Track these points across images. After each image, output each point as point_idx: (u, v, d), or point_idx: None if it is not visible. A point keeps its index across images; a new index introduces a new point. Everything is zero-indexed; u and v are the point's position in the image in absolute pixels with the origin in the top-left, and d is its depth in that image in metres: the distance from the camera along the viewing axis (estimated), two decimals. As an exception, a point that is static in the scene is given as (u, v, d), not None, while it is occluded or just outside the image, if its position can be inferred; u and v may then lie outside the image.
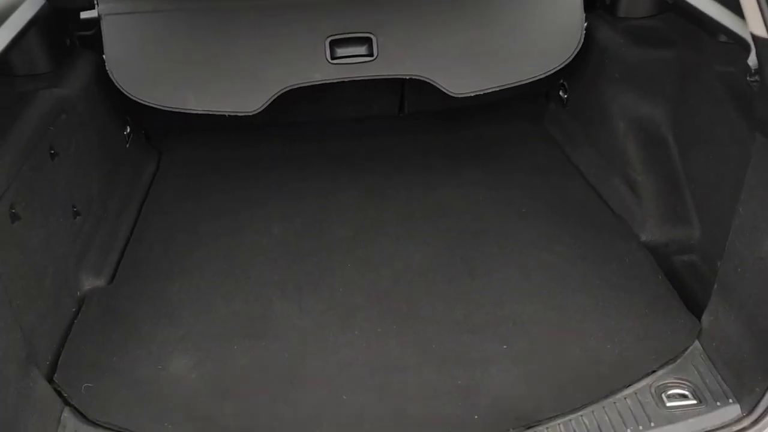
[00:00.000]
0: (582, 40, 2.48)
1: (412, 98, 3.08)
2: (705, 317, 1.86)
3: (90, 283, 2.16)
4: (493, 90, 2.50)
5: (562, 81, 2.90)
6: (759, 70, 1.50)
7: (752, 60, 1.53)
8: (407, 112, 3.14)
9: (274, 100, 2.47)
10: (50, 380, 1.79)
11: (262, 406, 1.74)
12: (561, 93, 2.94)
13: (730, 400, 1.68)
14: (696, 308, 1.95)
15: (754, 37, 1.47)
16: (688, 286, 2.12)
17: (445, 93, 2.53)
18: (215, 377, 1.83)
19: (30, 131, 1.96)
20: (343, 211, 2.49)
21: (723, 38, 2.01)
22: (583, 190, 2.55)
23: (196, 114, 2.49)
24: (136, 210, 2.55)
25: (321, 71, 2.44)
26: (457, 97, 2.54)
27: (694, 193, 2.23)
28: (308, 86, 2.50)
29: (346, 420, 1.70)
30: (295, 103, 2.88)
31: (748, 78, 1.57)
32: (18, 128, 1.92)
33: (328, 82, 2.46)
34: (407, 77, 2.53)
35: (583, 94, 2.75)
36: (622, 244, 2.25)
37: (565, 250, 2.23)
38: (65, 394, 1.77)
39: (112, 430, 1.68)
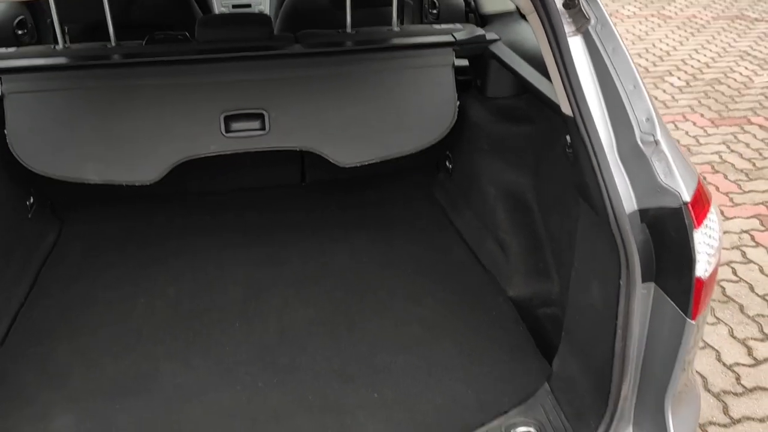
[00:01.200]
0: (455, 117, 2.76)
1: (312, 168, 3.29)
2: (555, 361, 2.06)
3: None
4: (376, 161, 2.73)
5: (447, 152, 3.18)
6: (571, 144, 1.77)
7: (569, 136, 1.80)
8: (308, 182, 3.34)
9: (179, 170, 2.62)
10: None
11: None
12: (447, 163, 3.21)
13: None
14: (552, 356, 2.16)
15: (566, 117, 1.74)
16: (548, 337, 2.34)
17: (342, 166, 2.75)
18: None
19: None
20: (236, 276, 2.63)
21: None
22: (461, 250, 2.78)
23: (99, 186, 2.61)
24: (33, 276, 2.62)
25: (216, 144, 2.62)
26: (356, 168, 2.76)
27: (553, 252, 2.48)
28: (211, 158, 2.67)
29: None
30: (198, 174, 3.04)
31: (567, 150, 1.84)
32: None
33: (222, 153, 2.64)
34: (298, 149, 2.74)
35: (463, 164, 3.02)
36: (491, 298, 2.46)
37: (437, 304, 2.43)
38: None
39: None
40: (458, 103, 2.78)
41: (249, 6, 5.30)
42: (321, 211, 3.13)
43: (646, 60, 7.18)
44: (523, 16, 2.91)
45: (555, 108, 2.22)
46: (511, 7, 2.99)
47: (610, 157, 1.65)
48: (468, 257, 2.73)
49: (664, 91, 6.33)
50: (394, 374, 2.11)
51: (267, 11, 4.41)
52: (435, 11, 3.61)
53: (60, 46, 2.65)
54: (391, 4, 2.87)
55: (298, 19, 3.30)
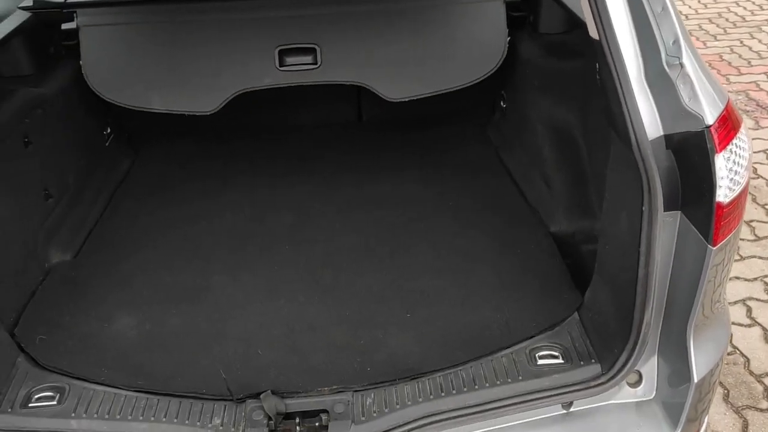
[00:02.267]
0: (505, 53, 2.76)
1: (368, 107, 3.38)
2: (587, 293, 2.09)
3: (57, 257, 2.47)
4: (425, 96, 2.78)
5: (502, 91, 3.18)
6: (599, 69, 1.76)
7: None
8: (365, 119, 3.44)
9: (241, 105, 2.78)
10: (12, 334, 2.08)
11: (184, 357, 2.01)
12: (502, 102, 3.21)
13: (593, 360, 1.90)
14: None
15: (593, 40, 1.74)
16: (589, 272, 2.35)
17: (398, 103, 2.82)
18: (151, 334, 2.11)
19: (5, 121, 2.28)
20: (291, 201, 2.78)
21: None
22: (508, 186, 2.81)
23: (170, 119, 2.80)
24: (108, 197, 2.86)
25: (270, 77, 2.75)
26: (411, 107, 2.82)
27: (597, 188, 2.47)
28: (274, 96, 2.81)
29: (257, 369, 1.96)
30: (261, 111, 3.20)
31: (597, 77, 1.84)
32: None
33: (276, 86, 2.77)
34: (348, 83, 2.82)
35: (515, 103, 3.02)
36: (532, 233, 2.50)
37: (478, 236, 2.48)
38: (22, 344, 2.06)
39: (56, 372, 1.95)
40: (508, 39, 2.77)
41: None
42: (375, 148, 3.22)
43: (744, 9, 6.76)
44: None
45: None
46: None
47: (636, 81, 1.64)
48: (514, 194, 2.76)
49: (760, 41, 5.96)
50: (429, 297, 2.20)
51: None
52: None
53: None
54: None
55: None
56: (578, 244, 2.49)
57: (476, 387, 1.85)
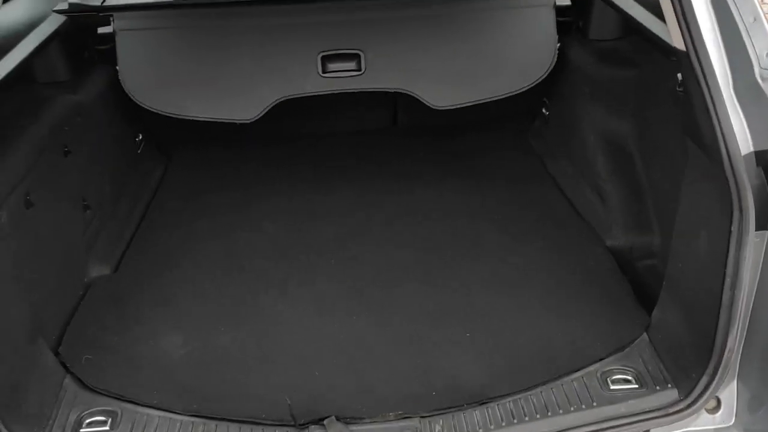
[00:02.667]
0: (555, 60, 2.67)
1: (404, 112, 3.29)
2: (654, 312, 2.01)
3: (97, 270, 2.38)
4: (472, 103, 2.70)
5: (544, 99, 3.09)
6: (682, 81, 1.68)
7: (680, 73, 1.71)
8: (400, 125, 3.35)
9: (276, 114, 2.69)
10: (56, 353, 2.00)
11: (238, 378, 1.93)
12: (544, 110, 3.12)
13: (669, 385, 1.82)
14: (653, 306, 2.10)
15: (677, 51, 1.65)
16: (650, 288, 2.27)
17: (434, 110, 2.73)
18: (200, 354, 2.02)
19: (46, 130, 2.20)
20: (332, 214, 2.69)
21: (674, 58, 2.19)
22: (556, 198, 2.72)
23: (203, 124, 2.72)
24: (143, 209, 2.78)
25: (312, 84, 2.66)
26: (446, 113, 2.73)
27: (654, 202, 2.39)
28: (307, 101, 2.72)
29: (316, 392, 1.87)
30: (294, 117, 3.11)
31: (677, 89, 1.75)
32: (36, 127, 2.16)
33: (318, 93, 2.68)
34: (392, 90, 2.74)
35: (561, 110, 2.93)
36: (588, 248, 2.41)
37: (533, 252, 2.40)
38: (67, 364, 1.97)
39: (106, 395, 1.87)
40: (558, 45, 2.68)
41: None
42: (413, 156, 3.13)
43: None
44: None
45: (666, 49, 2.11)
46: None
47: (725, 94, 1.56)
48: (564, 206, 2.67)
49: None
50: (487, 316, 2.12)
51: None
52: None
53: None
54: None
55: None
56: (635, 259, 2.40)
57: (549, 414, 1.77)
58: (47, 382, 1.87)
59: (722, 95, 1.54)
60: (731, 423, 1.84)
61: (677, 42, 1.63)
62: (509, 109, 2.96)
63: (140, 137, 3.01)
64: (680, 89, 1.72)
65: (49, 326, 2.04)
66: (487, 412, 1.79)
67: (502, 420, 1.77)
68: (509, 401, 1.82)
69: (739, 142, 1.55)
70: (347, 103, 2.96)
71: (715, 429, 1.84)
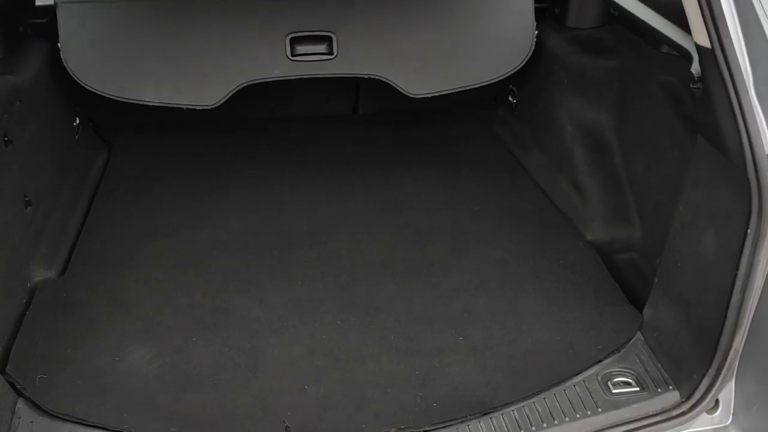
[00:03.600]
0: (533, 48, 2.59)
1: (366, 99, 3.14)
2: (646, 310, 1.97)
3: (41, 274, 2.12)
4: (449, 92, 2.58)
5: (511, 86, 3.01)
6: (702, 78, 1.62)
7: (695, 68, 1.65)
8: (361, 113, 3.19)
9: (233, 95, 2.47)
10: (2, 371, 1.75)
11: (223, 395, 1.75)
12: (510, 98, 3.05)
13: (670, 387, 1.79)
14: (637, 302, 2.06)
15: (698, 47, 1.59)
16: (629, 282, 2.25)
17: (397, 95, 2.59)
18: (175, 368, 1.83)
19: None
20: (302, 206, 2.52)
21: (665, 49, 2.15)
22: (532, 190, 2.66)
23: (147, 107, 2.46)
24: (87, 201, 2.50)
25: (280, 67, 2.46)
26: (410, 100, 2.61)
27: (635, 195, 2.36)
28: (266, 83, 2.51)
29: (309, 408, 1.73)
30: (249, 99, 2.89)
31: (691, 85, 1.70)
32: None
33: (287, 78, 2.49)
34: (366, 76, 2.58)
35: (532, 99, 2.86)
36: (569, 242, 2.36)
37: (514, 247, 2.32)
38: (18, 386, 1.73)
39: (71, 421, 1.65)
40: (536, 32, 2.60)
41: None
42: (378, 144, 2.99)
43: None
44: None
45: (658, 38, 2.06)
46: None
47: (750, 93, 1.51)
48: (540, 198, 2.61)
49: None
50: (479, 318, 2.02)
51: None
52: None
53: None
54: None
55: None
56: (614, 253, 2.38)
57: (555, 422, 1.71)
58: None
59: (749, 94, 1.49)
60: (728, 422, 1.83)
61: (700, 38, 1.56)
62: (470, 96, 2.86)
63: (77, 122, 2.72)
64: (696, 86, 1.66)
65: None
66: (492, 422, 1.71)
67: (508, 430, 1.69)
68: (513, 410, 1.74)
69: (764, 143, 1.51)
70: (306, 86, 2.78)
71: (713, 429, 1.83)
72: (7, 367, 1.78)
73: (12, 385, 1.73)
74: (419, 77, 2.55)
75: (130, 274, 2.15)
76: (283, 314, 2.02)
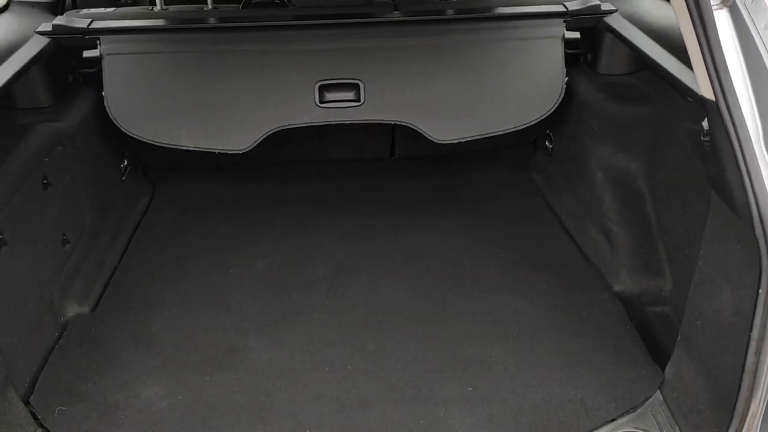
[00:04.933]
0: (563, 94, 2.57)
1: (403, 143, 3.17)
2: (668, 368, 1.89)
3: (74, 310, 2.23)
4: (475, 138, 2.58)
5: (548, 131, 2.99)
6: (709, 132, 1.57)
7: (705, 122, 1.60)
8: (398, 156, 3.23)
9: (270, 139, 2.56)
10: (27, 402, 1.85)
11: None
12: (547, 143, 3.02)
13: None
14: (663, 359, 1.98)
15: (705, 100, 1.55)
16: (658, 338, 2.16)
17: (438, 143, 2.62)
18: (185, 406, 1.88)
19: (23, 161, 2.05)
20: (325, 250, 2.56)
21: (690, 99, 2.09)
22: (560, 238, 2.60)
23: (189, 151, 2.58)
24: (126, 241, 2.63)
25: (309, 114, 2.53)
26: (448, 144, 2.62)
27: (666, 246, 2.28)
28: (302, 128, 2.59)
29: None
30: (289, 144, 2.99)
31: (701, 138, 1.65)
32: (12, 158, 2.02)
33: (315, 124, 2.56)
34: (393, 123, 2.62)
35: (566, 145, 2.83)
36: (594, 293, 2.29)
37: (536, 296, 2.28)
38: (39, 417, 1.82)
39: None
40: (566, 79, 2.58)
41: None
42: (410, 188, 3.01)
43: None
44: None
45: (682, 88, 2.01)
46: (629, -25, 2.75)
47: (756, 148, 1.46)
48: (568, 246, 2.56)
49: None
50: (490, 368, 1.99)
51: None
52: None
53: (158, 7, 2.62)
54: None
55: None
56: (643, 305, 2.30)
57: None
58: None
59: (754, 149, 1.43)
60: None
61: (705, 91, 1.52)
62: (508, 140, 2.85)
63: (125, 163, 2.87)
64: (706, 139, 1.61)
65: (21, 372, 1.89)
66: None
67: None
68: None
69: None
70: (345, 131, 2.84)
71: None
72: (32, 397, 1.87)
73: (33, 415, 1.82)
74: (446, 123, 2.57)
75: (157, 313, 2.24)
76: (294, 357, 2.05)
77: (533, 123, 2.59)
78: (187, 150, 2.57)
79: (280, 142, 2.65)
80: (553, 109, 2.58)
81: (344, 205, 2.86)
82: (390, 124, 3.07)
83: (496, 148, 3.16)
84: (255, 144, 2.53)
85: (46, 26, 2.44)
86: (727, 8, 1.52)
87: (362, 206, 2.85)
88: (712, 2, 1.50)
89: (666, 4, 2.45)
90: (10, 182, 1.95)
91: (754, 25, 1.50)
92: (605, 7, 2.58)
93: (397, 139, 3.16)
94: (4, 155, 2.01)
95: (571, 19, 2.57)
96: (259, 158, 2.87)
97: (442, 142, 2.58)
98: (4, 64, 2.12)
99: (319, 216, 2.78)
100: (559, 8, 2.57)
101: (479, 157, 3.17)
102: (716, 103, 1.48)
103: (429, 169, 3.15)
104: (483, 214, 2.78)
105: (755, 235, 1.45)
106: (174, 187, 3.01)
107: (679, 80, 2.00)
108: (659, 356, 2.02)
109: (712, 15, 1.48)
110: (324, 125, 2.61)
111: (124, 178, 2.85)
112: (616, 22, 2.51)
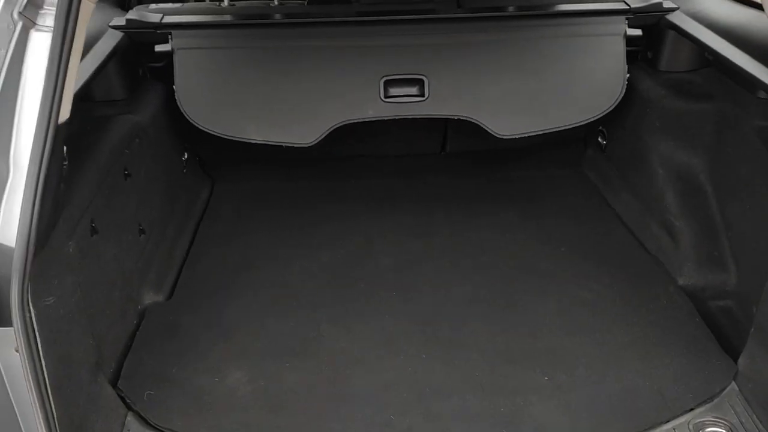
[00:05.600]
0: (624, 90, 2.60)
1: (454, 139, 3.21)
2: (741, 359, 1.92)
3: (150, 298, 2.29)
4: (537, 133, 2.62)
5: (601, 128, 3.02)
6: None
7: None
8: (448, 152, 3.27)
9: (325, 136, 2.61)
10: (115, 386, 1.90)
11: (312, 420, 1.83)
12: (600, 139, 3.05)
13: None
14: (731, 351, 2.01)
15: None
16: (723, 330, 2.18)
17: (484, 135, 2.65)
18: (268, 392, 1.93)
19: (109, 152, 2.11)
20: (387, 243, 2.61)
21: (762, 94, 2.11)
22: (621, 232, 2.63)
23: (249, 144, 2.63)
24: (192, 232, 2.69)
25: (374, 108, 2.58)
26: (497, 140, 2.66)
27: (731, 240, 2.30)
28: (357, 124, 2.64)
29: None
30: (342, 139, 3.03)
31: None
32: (99, 149, 2.08)
33: (380, 118, 2.60)
34: (456, 118, 2.66)
35: (623, 141, 2.85)
36: (660, 286, 2.32)
37: (602, 289, 2.31)
38: (129, 400, 1.87)
39: None
40: (628, 75, 2.61)
41: None
42: (464, 183, 3.05)
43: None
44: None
45: (753, 83, 2.03)
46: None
47: None
48: (629, 240, 2.59)
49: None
50: (563, 359, 2.02)
51: None
52: None
53: (225, 3, 2.67)
54: None
55: None
56: (707, 299, 2.32)
57: None
58: (110, 420, 1.77)
59: None
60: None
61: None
62: (559, 136, 2.88)
63: (185, 156, 2.93)
64: None
65: (108, 358, 1.95)
66: None
67: None
68: None
69: None
70: (399, 127, 2.88)
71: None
72: (119, 382, 1.93)
73: (123, 399, 1.87)
74: (508, 119, 2.61)
75: (229, 301, 2.29)
76: (368, 345, 2.09)
77: (594, 119, 2.62)
78: (247, 144, 2.62)
79: (335, 137, 2.70)
80: (614, 106, 2.61)
81: (401, 200, 2.90)
82: (442, 120, 3.11)
83: (545, 145, 3.19)
84: (320, 138, 2.58)
85: (120, 20, 2.50)
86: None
87: (419, 201, 2.89)
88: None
89: (729, 3, 2.47)
90: (99, 172, 2.00)
91: None
92: (667, 4, 2.60)
93: (449, 135, 3.19)
94: (91, 146, 2.06)
95: (633, 16, 2.60)
96: (313, 154, 2.92)
97: (504, 137, 2.62)
98: (86, 59, 2.17)
99: (377, 210, 2.82)
100: (621, 5, 2.60)
101: (528, 154, 3.20)
102: None
103: (479, 166, 3.19)
104: (539, 210, 2.81)
105: None
106: (232, 182, 3.06)
107: (750, 74, 2.03)
108: (727, 348, 2.04)
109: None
110: (379, 121, 2.66)
111: (185, 171, 2.90)
112: (679, 19, 2.54)
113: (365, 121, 2.64)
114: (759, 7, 2.13)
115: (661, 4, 2.60)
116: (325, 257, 2.53)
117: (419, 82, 2.58)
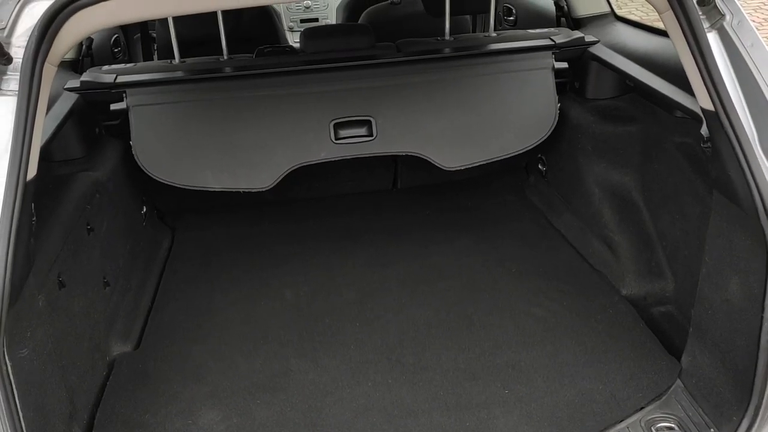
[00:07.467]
0: (557, 119, 2.79)
1: (405, 174, 3.36)
2: (684, 358, 2.07)
3: (118, 348, 2.33)
4: (480, 163, 2.78)
5: (540, 155, 3.21)
6: (710, 138, 1.78)
7: (704, 130, 1.82)
8: (400, 187, 3.41)
9: (280, 180, 2.72)
10: None
11: None
12: (540, 166, 3.24)
13: (712, 430, 1.87)
14: (675, 352, 2.17)
15: (704, 111, 1.76)
16: (666, 333, 2.34)
17: (433, 169, 2.81)
18: (242, 429, 1.98)
19: (72, 209, 2.17)
20: (348, 277, 2.70)
21: (678, 113, 2.33)
22: (567, 251, 2.80)
23: (208, 192, 2.72)
24: (156, 281, 2.74)
25: (326, 150, 2.71)
26: (445, 172, 2.82)
27: (665, 250, 2.49)
28: (310, 166, 2.76)
29: None
30: (298, 182, 3.14)
31: (702, 145, 1.86)
32: (62, 206, 2.14)
33: (332, 159, 2.73)
34: (404, 154, 2.80)
35: (561, 166, 3.05)
36: (605, 298, 2.48)
37: (553, 304, 2.45)
38: None
39: None
40: (559, 104, 2.81)
41: (316, 20, 5.45)
42: (417, 215, 3.19)
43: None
44: (620, 18, 2.95)
45: (670, 104, 2.24)
46: (605, 9, 3.03)
47: (755, 148, 1.67)
48: (574, 257, 2.75)
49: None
50: (522, 371, 2.14)
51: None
52: (512, 18, 3.66)
53: (176, 60, 2.78)
54: (487, 11, 2.94)
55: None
56: (650, 306, 2.48)
57: None
58: None
59: (754, 150, 1.64)
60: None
61: (704, 102, 1.74)
62: (502, 166, 3.06)
63: (144, 209, 2.99)
64: (706, 145, 1.82)
65: (80, 409, 1.98)
66: None
67: None
68: None
69: None
70: (352, 167, 3.01)
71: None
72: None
73: None
74: (453, 151, 2.77)
75: (197, 344, 2.35)
76: (336, 376, 2.17)
77: (532, 146, 2.80)
78: (205, 192, 2.71)
79: (289, 180, 2.81)
80: (549, 133, 2.80)
81: (358, 235, 3.01)
82: (392, 157, 3.26)
83: (490, 175, 3.37)
84: (276, 181, 2.68)
85: (74, 83, 2.58)
86: (716, 31, 1.75)
87: (376, 235, 3.01)
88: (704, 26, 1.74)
89: (642, 33, 2.72)
90: (63, 228, 2.06)
91: (742, 44, 1.73)
92: (589, 38, 2.83)
93: (400, 171, 3.34)
94: (54, 203, 2.12)
95: (559, 51, 2.81)
96: (271, 198, 3.02)
97: (450, 169, 2.77)
98: (44, 121, 2.24)
99: (337, 248, 2.93)
100: (548, 42, 2.82)
101: (476, 184, 3.37)
102: (716, 113, 1.70)
103: (430, 198, 3.34)
104: (490, 235, 2.96)
105: (761, 224, 1.66)
106: (193, 230, 3.13)
107: (667, 97, 2.23)
108: (671, 349, 2.20)
109: (706, 35, 1.71)
110: (332, 162, 2.79)
111: (144, 223, 2.96)
112: (601, 51, 2.76)
113: (319, 163, 2.77)
114: (667, 35, 2.36)
115: (583, 38, 2.83)
116: (289, 295, 2.61)
117: (367, 123, 2.72)
